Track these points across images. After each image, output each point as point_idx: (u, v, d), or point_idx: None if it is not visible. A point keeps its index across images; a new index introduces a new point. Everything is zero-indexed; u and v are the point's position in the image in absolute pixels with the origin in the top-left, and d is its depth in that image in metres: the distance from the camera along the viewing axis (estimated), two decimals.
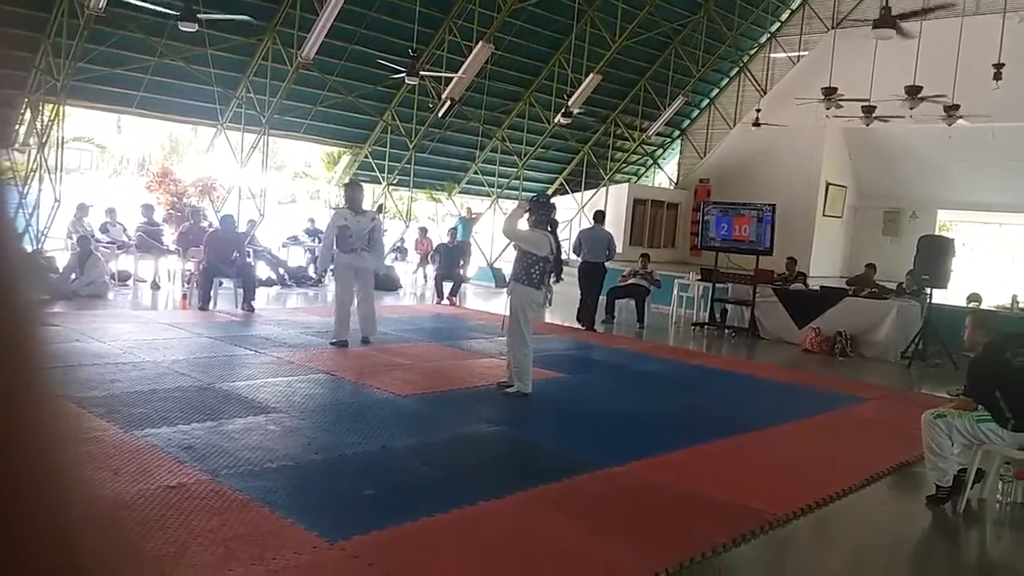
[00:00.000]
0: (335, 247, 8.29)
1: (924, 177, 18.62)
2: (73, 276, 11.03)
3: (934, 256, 10.19)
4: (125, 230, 13.09)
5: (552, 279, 6.64)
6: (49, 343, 0.44)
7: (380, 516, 3.68)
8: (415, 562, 3.30)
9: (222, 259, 10.68)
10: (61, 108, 12.79)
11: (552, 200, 7.26)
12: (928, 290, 10.49)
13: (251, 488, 3.93)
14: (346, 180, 17.52)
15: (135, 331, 8.31)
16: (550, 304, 6.97)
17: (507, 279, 6.94)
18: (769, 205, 11.72)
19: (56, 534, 0.40)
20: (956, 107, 13.97)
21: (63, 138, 13.27)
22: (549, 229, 6.52)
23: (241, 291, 10.65)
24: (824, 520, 4.33)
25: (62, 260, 11.66)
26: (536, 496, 4.16)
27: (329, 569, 3.19)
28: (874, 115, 14.94)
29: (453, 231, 14.42)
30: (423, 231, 17.95)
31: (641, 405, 6.77)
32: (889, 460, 5.43)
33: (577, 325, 11.10)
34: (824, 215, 19.14)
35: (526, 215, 6.52)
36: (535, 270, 6.40)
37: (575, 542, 3.62)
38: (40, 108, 12.78)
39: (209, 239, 10.99)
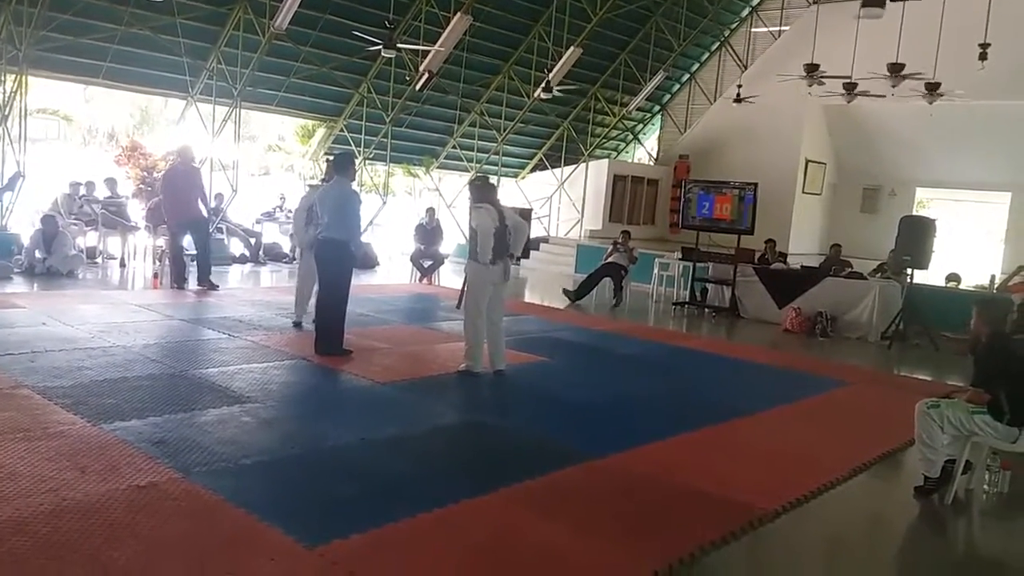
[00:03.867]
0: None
1: (903, 155, 18.60)
2: (38, 254, 10.72)
3: (916, 237, 10.16)
4: (91, 203, 12.64)
5: (510, 256, 6.46)
6: None
7: (360, 518, 3.53)
8: (396, 570, 3.16)
9: (183, 201, 10.11)
10: (24, 78, 12.34)
11: (490, 181, 7.08)
12: (908, 270, 10.49)
13: (225, 487, 3.77)
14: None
15: (104, 313, 8.05)
16: (506, 280, 6.66)
17: None
18: (751, 184, 11.64)
19: None
20: (937, 85, 13.89)
21: (27, 109, 12.81)
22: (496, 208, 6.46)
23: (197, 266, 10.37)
24: (813, 513, 4.26)
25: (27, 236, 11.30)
26: (520, 492, 4.04)
27: None
28: (855, 92, 14.83)
29: (431, 210, 14.20)
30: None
31: (624, 390, 6.67)
32: (875, 448, 5.38)
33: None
34: (803, 192, 19.09)
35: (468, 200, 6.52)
36: (483, 247, 6.33)
37: (561, 544, 3.51)
38: (2, 79, 12.33)
39: (166, 177, 10.56)
